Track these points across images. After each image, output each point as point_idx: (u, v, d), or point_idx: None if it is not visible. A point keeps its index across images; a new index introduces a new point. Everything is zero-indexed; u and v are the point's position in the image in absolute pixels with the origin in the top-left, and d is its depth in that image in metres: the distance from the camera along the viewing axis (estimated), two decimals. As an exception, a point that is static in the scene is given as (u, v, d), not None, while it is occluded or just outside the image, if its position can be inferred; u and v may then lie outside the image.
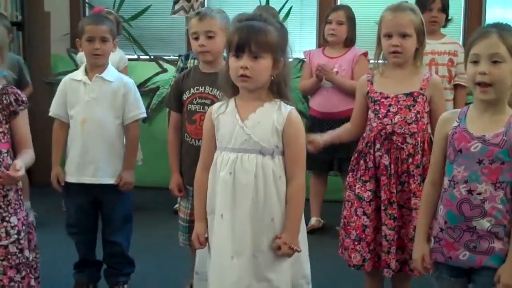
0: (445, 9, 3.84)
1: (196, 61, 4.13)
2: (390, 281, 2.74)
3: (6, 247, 2.22)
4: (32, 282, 2.30)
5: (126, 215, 3.04)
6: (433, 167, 2.14)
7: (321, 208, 4.11)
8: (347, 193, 2.67)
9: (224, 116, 2.18)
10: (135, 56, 5.13)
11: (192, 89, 2.72)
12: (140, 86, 4.49)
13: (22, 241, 2.27)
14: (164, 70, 5.02)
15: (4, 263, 2.20)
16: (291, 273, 2.17)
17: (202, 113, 2.64)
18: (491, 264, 1.98)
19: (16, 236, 2.25)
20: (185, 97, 2.74)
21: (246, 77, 2.09)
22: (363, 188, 2.57)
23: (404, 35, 2.53)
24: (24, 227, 2.30)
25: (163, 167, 4.84)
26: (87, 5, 5.35)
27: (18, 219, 2.28)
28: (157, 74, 5.05)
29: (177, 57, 4.81)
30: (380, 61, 2.65)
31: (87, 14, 5.28)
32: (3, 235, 2.23)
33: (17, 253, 2.24)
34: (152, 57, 5.14)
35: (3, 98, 2.25)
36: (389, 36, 2.55)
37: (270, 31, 2.10)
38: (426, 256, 2.09)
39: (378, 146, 2.55)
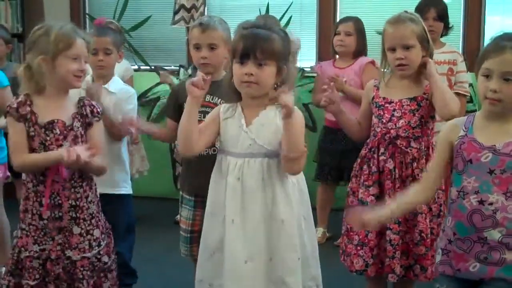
0: (441, 17, 3.81)
1: None
2: (393, 287, 2.73)
3: (88, 258, 2.33)
4: (105, 286, 2.40)
5: (128, 225, 3.04)
6: (430, 172, 2.14)
7: (328, 218, 4.11)
8: (349, 199, 2.67)
9: (231, 120, 2.21)
10: (136, 67, 5.11)
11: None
12: (140, 96, 4.49)
13: (101, 252, 2.39)
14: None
15: (88, 273, 2.33)
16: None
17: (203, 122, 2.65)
18: (503, 275, 1.96)
19: (97, 248, 2.37)
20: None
21: (251, 83, 2.11)
22: (366, 193, 2.57)
23: (407, 47, 2.52)
24: (103, 236, 2.41)
25: (164, 177, 4.87)
26: (87, 16, 5.37)
27: (100, 231, 2.39)
28: (157, 84, 5.04)
29: (178, 67, 4.84)
30: (387, 71, 2.65)
31: (87, 25, 5.30)
32: (87, 247, 2.34)
33: (94, 262, 2.36)
34: (152, 67, 5.15)
35: (83, 110, 2.35)
36: (393, 49, 2.55)
37: (274, 39, 2.13)
38: (366, 220, 2.06)
39: (382, 150, 2.56)
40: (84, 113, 2.35)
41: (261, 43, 2.10)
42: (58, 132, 2.27)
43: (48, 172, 2.25)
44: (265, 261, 2.13)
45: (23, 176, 2.33)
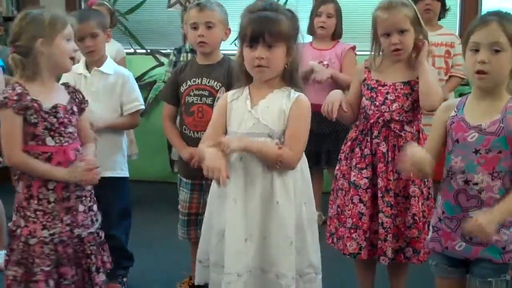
0: None
1: (190, 55, 4.14)
2: (387, 271, 2.74)
3: (92, 233, 2.37)
4: (105, 258, 2.45)
5: (125, 209, 3.04)
6: (427, 147, 2.13)
7: (321, 201, 4.12)
8: (340, 182, 2.66)
9: (237, 102, 2.21)
10: (132, 50, 5.11)
11: (189, 81, 2.72)
12: (136, 80, 4.43)
13: (99, 225, 2.43)
14: (161, 64, 5.01)
15: (94, 248, 2.36)
16: (297, 261, 2.18)
17: (200, 105, 2.65)
18: (486, 255, 1.98)
19: (96, 223, 2.41)
20: (182, 89, 2.74)
21: (263, 67, 2.12)
22: (359, 176, 2.56)
23: (402, 31, 2.51)
24: (98, 211, 2.45)
25: (160, 160, 4.86)
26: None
27: (96, 207, 2.43)
28: (153, 68, 5.04)
29: (173, 50, 4.81)
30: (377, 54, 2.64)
31: (82, 8, 5.26)
32: (90, 223, 2.36)
33: (96, 237, 2.40)
34: (148, 50, 5.13)
35: (76, 96, 2.36)
36: (387, 34, 2.54)
37: (282, 20, 2.14)
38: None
39: (375, 133, 2.55)
40: (77, 99, 2.36)
41: (269, 25, 2.11)
42: (62, 116, 2.26)
43: (53, 156, 2.25)
44: (260, 239, 2.14)
45: None
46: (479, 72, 1.94)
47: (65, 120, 2.27)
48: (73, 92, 2.36)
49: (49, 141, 2.24)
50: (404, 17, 2.51)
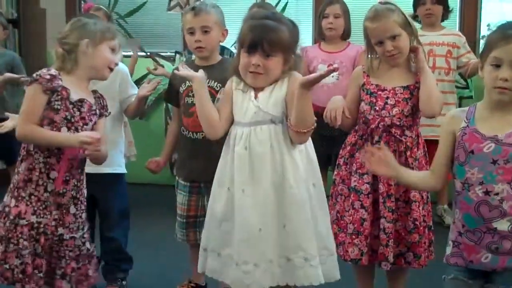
0: (440, 0, 3.82)
1: None
2: (386, 276, 2.72)
3: (75, 239, 2.35)
4: (90, 272, 2.42)
5: (123, 211, 3.02)
6: (436, 160, 2.12)
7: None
8: (339, 187, 2.64)
9: (241, 92, 2.25)
10: (131, 53, 5.10)
11: (187, 82, 2.70)
12: (136, 82, 4.45)
13: (85, 235, 2.41)
14: (161, 67, 4.99)
15: (70, 254, 2.34)
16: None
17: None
18: None
19: (83, 230, 2.39)
20: (181, 90, 2.73)
21: (257, 73, 2.15)
22: (360, 181, 2.54)
23: (394, 37, 2.50)
24: (86, 221, 2.44)
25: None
26: (82, 1, 5.33)
27: (86, 215, 2.43)
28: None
29: (174, 53, 4.81)
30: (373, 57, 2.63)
31: (82, 11, 5.26)
32: (75, 228, 2.35)
33: (80, 246, 2.38)
34: (148, 53, 5.12)
35: (100, 101, 2.43)
36: (380, 43, 2.53)
37: (282, 30, 2.17)
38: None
39: (376, 138, 2.53)
40: (101, 103, 2.42)
41: (269, 35, 2.14)
42: (85, 111, 2.31)
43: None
44: (278, 227, 2.16)
45: (30, 146, 2.30)
46: (500, 87, 1.91)
47: (86, 116, 2.31)
48: (99, 97, 2.42)
49: (64, 131, 2.27)
50: (393, 23, 2.50)
